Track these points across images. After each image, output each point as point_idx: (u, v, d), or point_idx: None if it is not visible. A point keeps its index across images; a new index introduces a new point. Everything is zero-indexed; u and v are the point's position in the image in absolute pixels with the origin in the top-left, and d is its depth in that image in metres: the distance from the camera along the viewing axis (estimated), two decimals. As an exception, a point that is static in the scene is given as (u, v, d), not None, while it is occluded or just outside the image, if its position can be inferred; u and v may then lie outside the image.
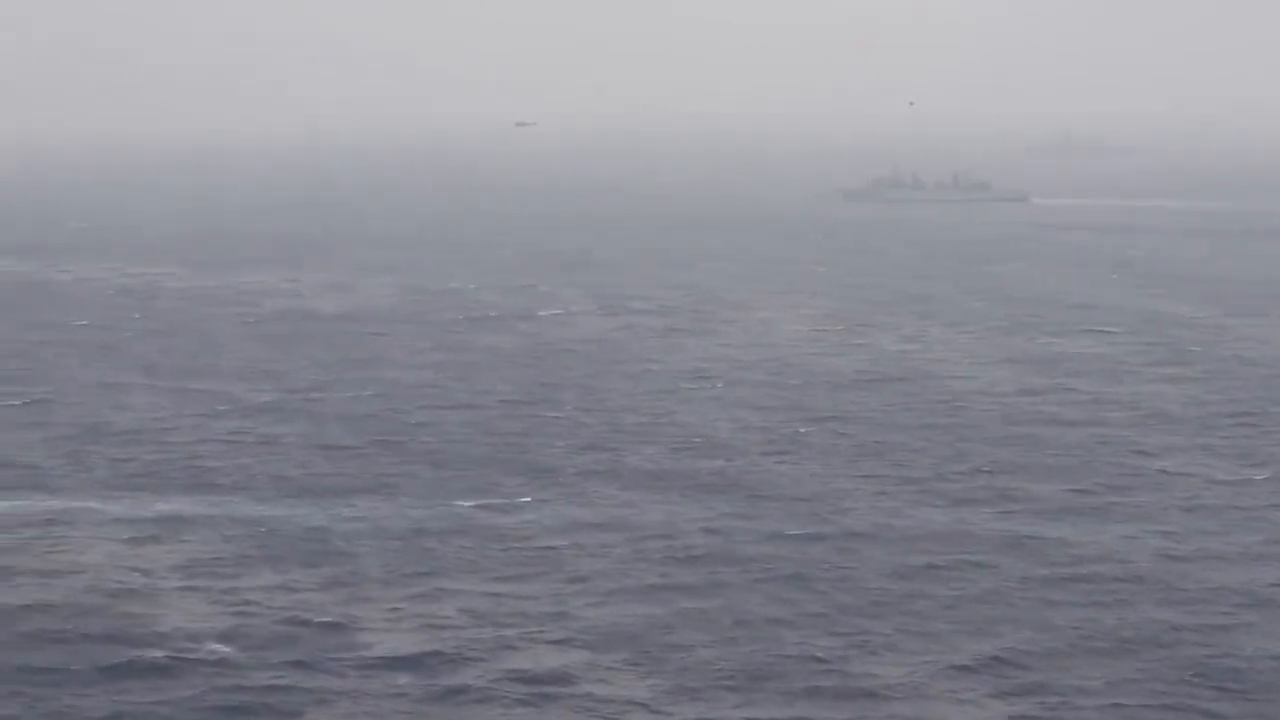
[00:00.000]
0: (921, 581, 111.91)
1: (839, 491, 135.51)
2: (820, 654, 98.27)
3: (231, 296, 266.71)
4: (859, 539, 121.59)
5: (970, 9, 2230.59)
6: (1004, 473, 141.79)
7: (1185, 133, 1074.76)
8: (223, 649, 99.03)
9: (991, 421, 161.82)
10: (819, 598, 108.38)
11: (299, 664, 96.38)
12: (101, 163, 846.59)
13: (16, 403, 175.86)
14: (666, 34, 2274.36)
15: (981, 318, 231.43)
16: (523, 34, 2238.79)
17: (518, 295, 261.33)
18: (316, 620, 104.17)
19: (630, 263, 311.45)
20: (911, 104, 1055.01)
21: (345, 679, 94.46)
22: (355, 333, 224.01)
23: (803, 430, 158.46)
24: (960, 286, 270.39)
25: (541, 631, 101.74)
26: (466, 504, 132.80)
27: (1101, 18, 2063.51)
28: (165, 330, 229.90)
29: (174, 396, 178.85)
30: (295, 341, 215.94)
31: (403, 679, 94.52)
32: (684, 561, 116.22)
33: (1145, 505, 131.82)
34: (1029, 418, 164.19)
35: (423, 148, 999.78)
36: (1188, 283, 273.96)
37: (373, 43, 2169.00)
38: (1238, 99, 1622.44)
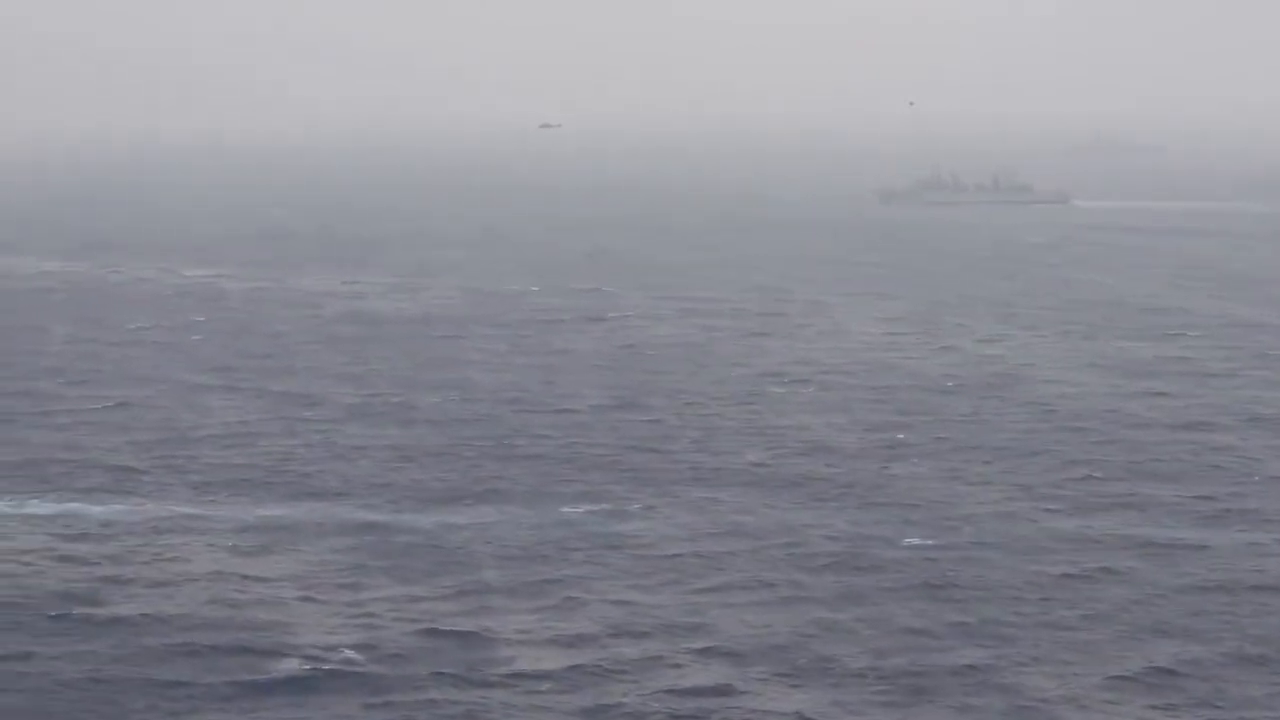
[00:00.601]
0: (1059, 590, 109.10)
1: (954, 497, 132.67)
2: (971, 664, 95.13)
3: (294, 298, 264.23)
4: (986, 547, 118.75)
5: (970, 9, 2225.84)
6: (1116, 479, 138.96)
7: (1209, 133, 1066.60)
8: (359, 661, 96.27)
9: (1092, 427, 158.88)
10: (958, 608, 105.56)
11: (442, 676, 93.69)
12: (118, 161, 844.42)
13: (98, 405, 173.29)
14: (667, 34, 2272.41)
15: (1058, 322, 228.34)
16: (524, 35, 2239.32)
17: (582, 298, 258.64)
18: (450, 631, 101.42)
19: (686, 264, 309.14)
20: (911, 104, 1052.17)
21: (492, 693, 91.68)
22: (427, 335, 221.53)
23: (901, 435, 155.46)
24: (1027, 289, 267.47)
25: (683, 643, 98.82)
26: (576, 510, 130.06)
27: (1101, 18, 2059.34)
28: (234, 332, 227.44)
29: (256, 400, 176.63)
30: (368, 344, 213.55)
31: (551, 694, 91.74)
32: (813, 570, 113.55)
33: (1264, 511, 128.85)
34: (1129, 423, 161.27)
35: (451, 149, 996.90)
36: (1258, 286, 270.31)
37: (375, 43, 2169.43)
38: (1237, 99, 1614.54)
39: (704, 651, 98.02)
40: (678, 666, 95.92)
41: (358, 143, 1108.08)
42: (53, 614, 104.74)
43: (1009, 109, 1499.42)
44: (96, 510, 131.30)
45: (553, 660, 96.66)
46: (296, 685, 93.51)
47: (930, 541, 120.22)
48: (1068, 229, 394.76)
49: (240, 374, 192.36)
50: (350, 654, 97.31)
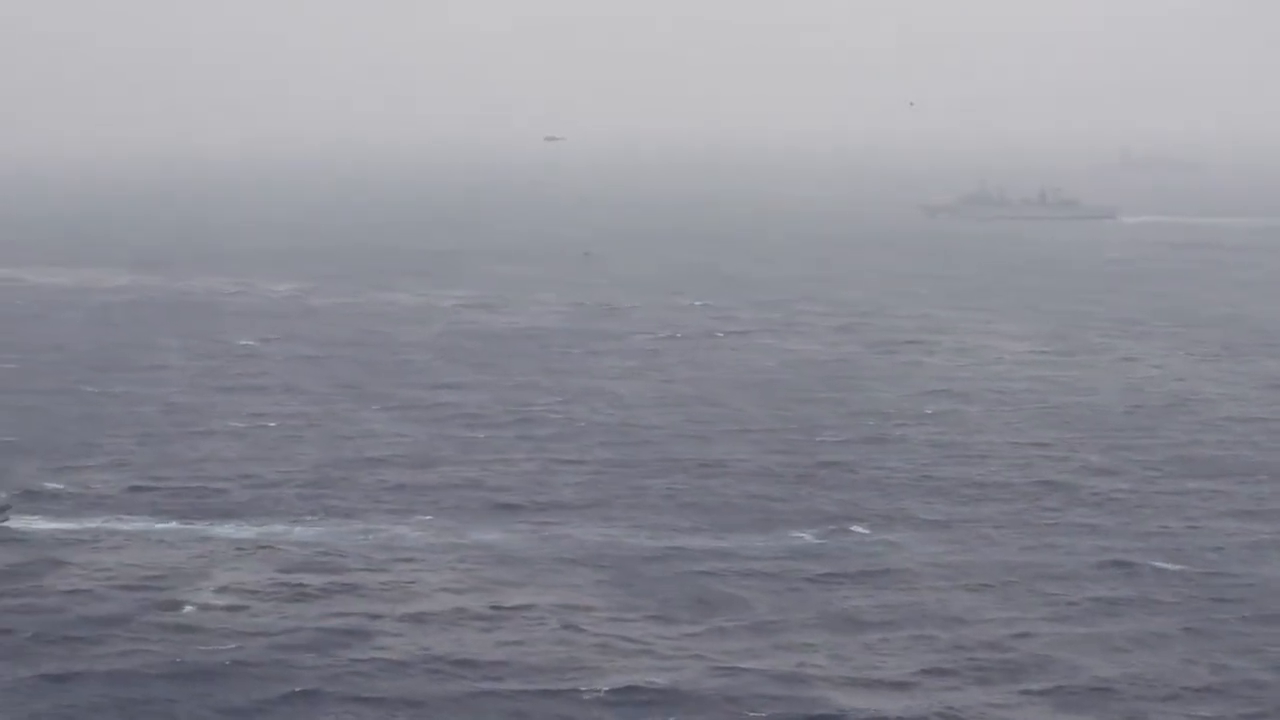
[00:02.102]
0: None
1: (1192, 526, 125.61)
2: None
3: (391, 313, 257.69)
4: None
5: (1001, 25, 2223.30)
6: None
7: (1241, 149, 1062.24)
8: (683, 703, 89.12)
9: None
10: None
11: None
12: (141, 172, 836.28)
13: (248, 424, 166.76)
14: (668, 49, 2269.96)
15: (1192, 340, 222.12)
16: (523, 46, 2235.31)
17: (686, 313, 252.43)
18: (754, 670, 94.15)
19: (769, 278, 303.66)
20: (911, 104, 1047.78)
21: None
22: (551, 350, 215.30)
23: (1095, 458, 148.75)
24: (1136, 306, 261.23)
25: (1027, 687, 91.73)
26: (807, 536, 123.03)
27: (1134, 35, 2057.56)
28: (348, 347, 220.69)
29: (409, 416, 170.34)
30: (496, 359, 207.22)
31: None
32: (1111, 606, 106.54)
33: None
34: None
35: (466, 161, 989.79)
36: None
37: (374, 56, 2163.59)
38: (1264, 115, 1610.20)
39: (1048, 692, 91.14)
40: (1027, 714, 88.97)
41: (370, 155, 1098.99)
42: (345, 655, 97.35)
43: (1034, 126, 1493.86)
44: (300, 532, 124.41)
45: (903, 708, 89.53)
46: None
47: (1199, 570, 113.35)
48: (1140, 245, 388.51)
49: (377, 390, 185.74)
50: (661, 695, 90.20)
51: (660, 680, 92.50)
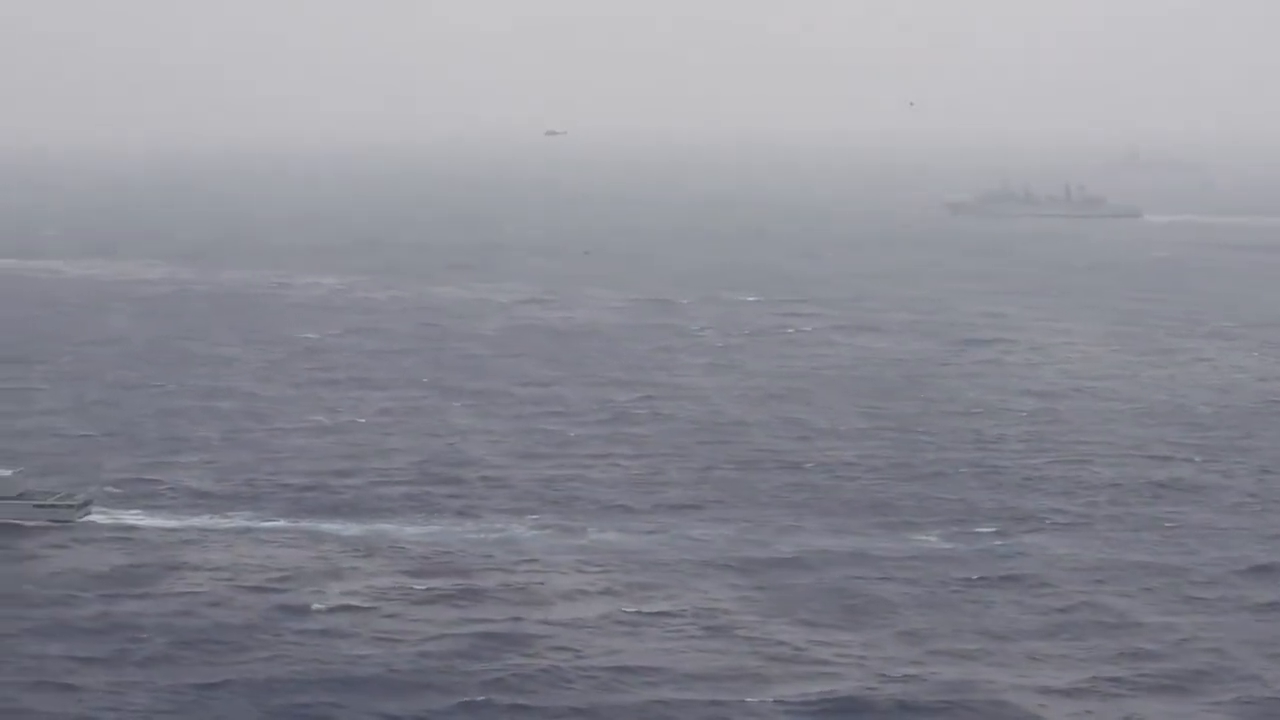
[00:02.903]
0: None
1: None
2: None
3: (448, 307, 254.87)
4: None
5: (1008, 25, 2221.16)
6: None
7: (1238, 150, 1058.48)
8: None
9: None
10: None
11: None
12: (159, 167, 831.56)
13: (329, 421, 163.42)
14: (664, 45, 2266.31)
15: (1262, 340, 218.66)
16: (521, 42, 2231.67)
17: (746, 309, 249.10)
18: (928, 680, 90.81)
19: (820, 275, 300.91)
20: (911, 104, 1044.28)
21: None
22: (622, 347, 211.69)
23: (1198, 458, 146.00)
24: (1197, 304, 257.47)
25: (1207, 697, 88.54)
26: (932, 538, 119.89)
27: (1146, 35, 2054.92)
28: (414, 341, 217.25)
29: (498, 412, 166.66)
30: (568, 355, 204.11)
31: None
32: (1267, 612, 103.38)
33: None
34: None
35: (476, 156, 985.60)
36: None
37: (371, 53, 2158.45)
38: (1264, 116, 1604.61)
39: None
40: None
41: (376, 153, 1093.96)
42: (500, 662, 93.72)
43: (1035, 126, 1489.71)
44: (411, 531, 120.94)
45: (1062, 713, 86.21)
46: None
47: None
48: (1182, 245, 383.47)
49: (453, 385, 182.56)
50: (834, 705, 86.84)
51: (829, 689, 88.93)
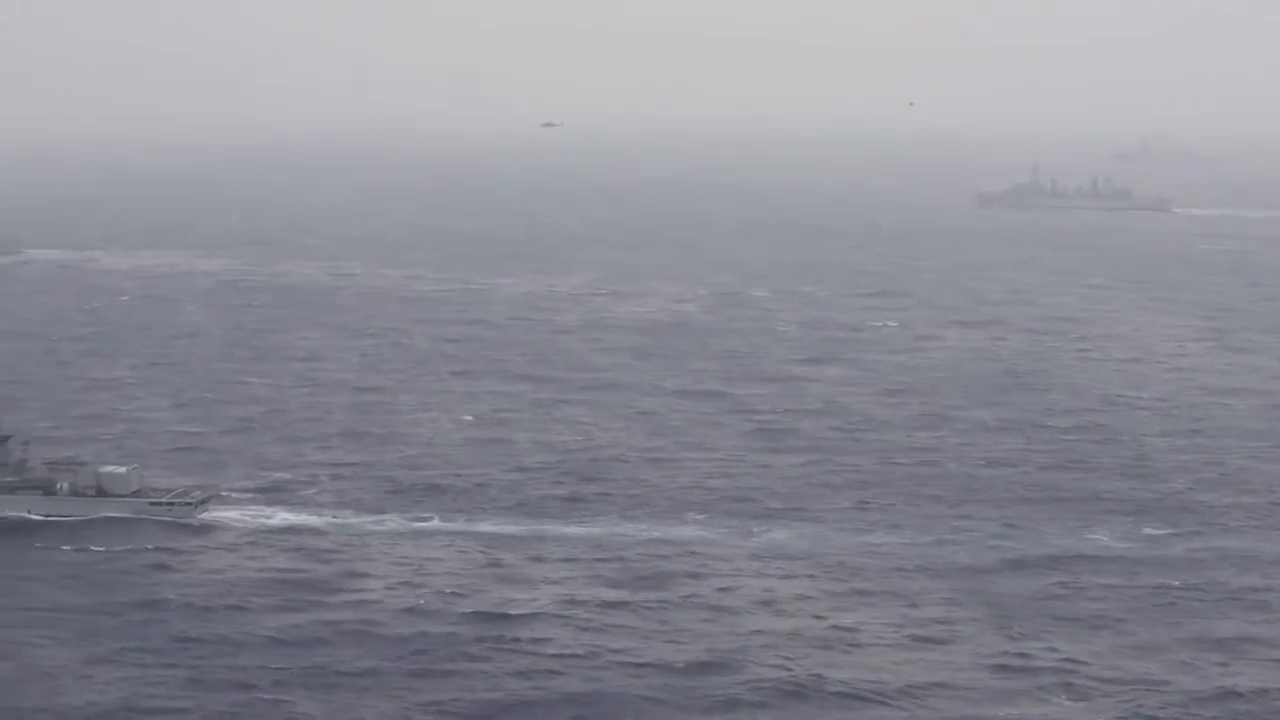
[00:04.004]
0: None
1: None
2: None
3: (519, 299, 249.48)
4: None
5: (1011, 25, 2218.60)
6: None
7: (1247, 143, 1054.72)
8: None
9: None
10: None
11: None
12: (176, 159, 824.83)
13: (445, 417, 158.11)
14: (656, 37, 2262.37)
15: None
16: (515, 34, 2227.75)
17: (823, 303, 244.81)
18: (1207, 698, 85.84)
19: (884, 268, 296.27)
20: (911, 104, 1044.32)
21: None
22: (716, 341, 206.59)
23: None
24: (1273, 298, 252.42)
25: None
26: (1104, 536, 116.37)
27: (1153, 28, 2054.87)
28: (498, 331, 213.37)
29: (609, 411, 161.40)
30: (662, 351, 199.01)
31: None
32: None
33: None
34: None
35: (480, 148, 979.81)
36: None
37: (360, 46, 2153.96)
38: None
39: None
40: None
41: (380, 142, 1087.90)
42: (754, 677, 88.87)
43: (1043, 116, 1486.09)
44: (574, 531, 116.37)
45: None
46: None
47: None
48: (1234, 239, 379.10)
49: (554, 379, 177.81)
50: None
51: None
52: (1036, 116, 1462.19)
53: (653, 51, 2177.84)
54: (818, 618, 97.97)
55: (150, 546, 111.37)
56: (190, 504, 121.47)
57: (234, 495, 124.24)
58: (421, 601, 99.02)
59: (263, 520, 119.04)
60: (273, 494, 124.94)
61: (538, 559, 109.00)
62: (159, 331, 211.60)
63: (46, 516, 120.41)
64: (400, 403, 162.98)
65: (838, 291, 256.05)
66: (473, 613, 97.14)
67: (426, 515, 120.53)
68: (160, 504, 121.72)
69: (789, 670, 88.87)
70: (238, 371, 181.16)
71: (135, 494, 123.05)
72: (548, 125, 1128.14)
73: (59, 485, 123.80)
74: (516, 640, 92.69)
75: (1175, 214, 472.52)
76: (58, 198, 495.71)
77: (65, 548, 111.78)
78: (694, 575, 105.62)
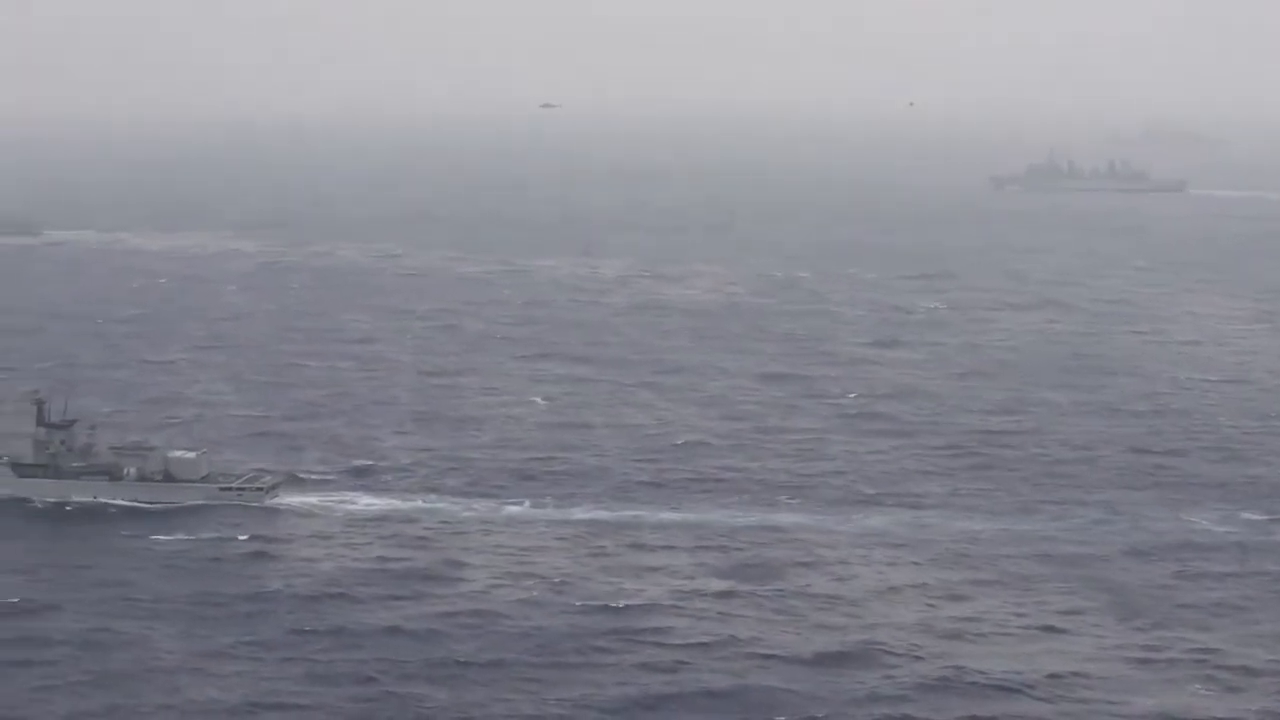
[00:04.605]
0: None
1: None
2: None
3: (564, 280, 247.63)
4: None
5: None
6: None
7: (1255, 125, 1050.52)
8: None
9: None
10: None
11: None
12: (188, 139, 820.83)
13: (511, 400, 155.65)
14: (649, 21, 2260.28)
15: None
16: (509, 14, 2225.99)
17: (870, 287, 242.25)
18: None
19: (922, 251, 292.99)
20: (911, 104, 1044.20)
21: None
22: (773, 325, 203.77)
23: None
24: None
25: None
26: (1203, 520, 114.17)
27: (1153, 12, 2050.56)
28: (546, 312, 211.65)
29: (675, 396, 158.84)
30: (718, 335, 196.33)
31: None
32: None
33: None
34: None
35: (487, 129, 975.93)
36: None
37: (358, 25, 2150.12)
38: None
39: None
40: None
41: (382, 122, 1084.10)
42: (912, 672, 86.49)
43: (1035, 102, 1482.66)
44: (668, 518, 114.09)
45: None
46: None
47: None
48: (1262, 222, 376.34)
49: (616, 363, 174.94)
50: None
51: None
52: (1030, 102, 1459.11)
53: (647, 34, 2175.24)
54: (935, 605, 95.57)
55: (244, 536, 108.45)
56: (261, 489, 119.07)
57: (313, 479, 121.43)
58: (534, 593, 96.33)
59: (345, 506, 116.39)
60: (352, 479, 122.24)
61: (637, 546, 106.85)
62: (204, 314, 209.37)
63: (114, 502, 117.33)
64: (465, 385, 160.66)
65: (882, 274, 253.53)
66: (587, 604, 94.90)
67: (514, 500, 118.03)
68: (230, 489, 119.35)
69: (922, 660, 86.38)
70: (292, 354, 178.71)
71: (204, 479, 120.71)
72: (546, 106, 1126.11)
73: (126, 470, 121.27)
74: (637, 631, 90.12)
75: (1191, 196, 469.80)
76: (66, 179, 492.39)
77: (161, 536, 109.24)
78: (803, 563, 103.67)
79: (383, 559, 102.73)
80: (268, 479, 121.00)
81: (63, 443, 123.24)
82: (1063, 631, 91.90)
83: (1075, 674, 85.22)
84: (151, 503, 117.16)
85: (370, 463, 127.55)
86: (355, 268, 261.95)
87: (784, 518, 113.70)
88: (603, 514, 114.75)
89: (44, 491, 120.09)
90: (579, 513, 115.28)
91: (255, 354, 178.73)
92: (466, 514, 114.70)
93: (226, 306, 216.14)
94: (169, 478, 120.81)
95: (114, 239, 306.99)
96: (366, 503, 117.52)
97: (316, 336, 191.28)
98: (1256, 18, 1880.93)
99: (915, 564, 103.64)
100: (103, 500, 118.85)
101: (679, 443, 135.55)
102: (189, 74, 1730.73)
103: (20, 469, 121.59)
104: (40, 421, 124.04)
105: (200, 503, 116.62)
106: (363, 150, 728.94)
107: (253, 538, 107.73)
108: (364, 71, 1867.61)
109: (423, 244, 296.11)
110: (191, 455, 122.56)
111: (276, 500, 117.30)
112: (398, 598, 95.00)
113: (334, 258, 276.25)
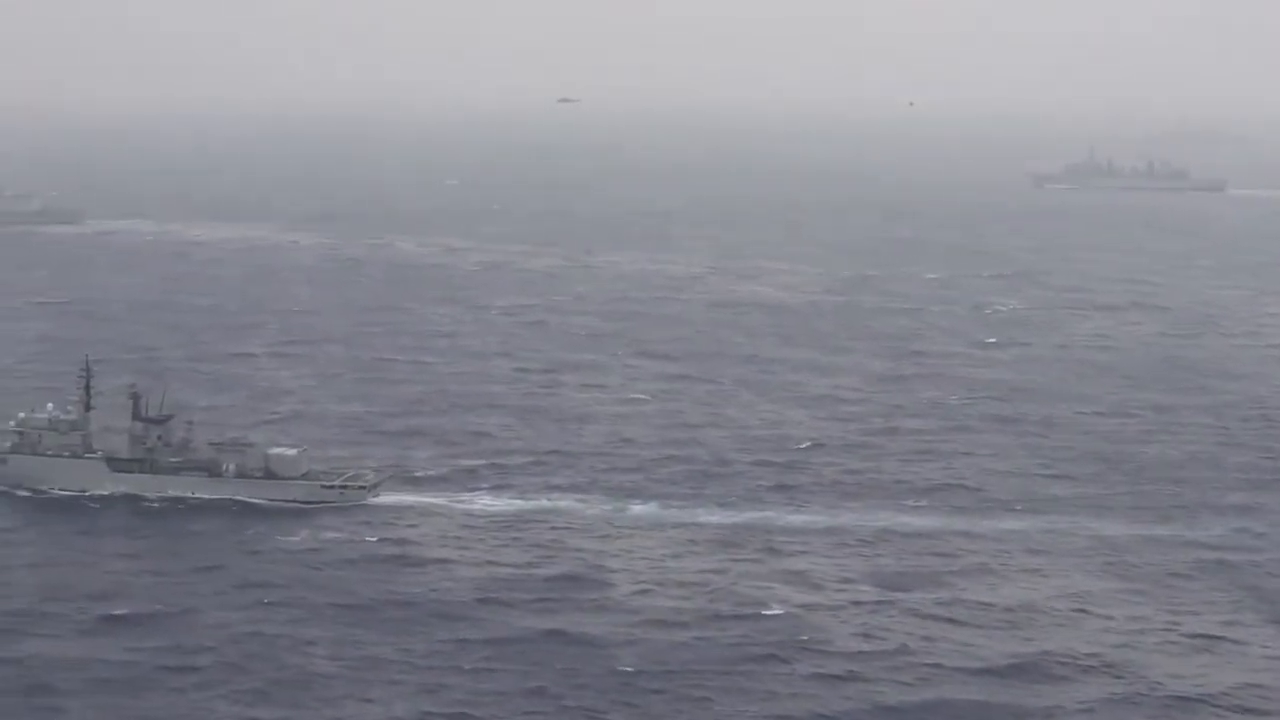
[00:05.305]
0: None
1: None
2: None
3: (638, 277, 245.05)
4: None
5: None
6: None
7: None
8: None
9: None
10: None
11: None
12: (217, 132, 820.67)
13: (640, 397, 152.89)
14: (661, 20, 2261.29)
15: None
16: (528, 10, 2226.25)
17: (944, 286, 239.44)
18: None
19: (984, 250, 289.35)
20: (911, 104, 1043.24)
21: None
22: (864, 326, 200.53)
23: None
24: None
25: None
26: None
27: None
28: (626, 306, 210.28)
29: (779, 396, 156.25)
30: (809, 334, 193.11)
31: None
32: None
33: None
34: None
35: (509, 124, 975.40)
36: None
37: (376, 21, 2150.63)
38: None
39: None
40: None
41: (407, 115, 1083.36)
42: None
43: (1075, 96, 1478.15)
44: (796, 520, 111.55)
45: None
46: None
47: None
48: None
49: (709, 363, 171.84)
50: None
51: None
52: (1056, 100, 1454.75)
53: (663, 31, 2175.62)
54: (1093, 614, 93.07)
55: (374, 538, 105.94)
56: (363, 487, 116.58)
57: (426, 477, 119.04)
58: (685, 598, 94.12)
59: (462, 505, 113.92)
60: (466, 477, 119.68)
61: (773, 550, 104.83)
62: (275, 306, 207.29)
63: (213, 498, 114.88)
64: (563, 382, 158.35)
65: (951, 273, 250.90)
66: (739, 611, 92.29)
67: (638, 500, 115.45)
68: (332, 487, 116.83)
69: (1095, 671, 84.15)
70: (378, 349, 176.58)
71: (304, 476, 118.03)
72: (564, 101, 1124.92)
73: (225, 466, 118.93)
74: (799, 640, 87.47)
75: (1231, 195, 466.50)
76: (100, 169, 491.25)
77: (287, 537, 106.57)
78: (950, 571, 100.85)
79: (525, 563, 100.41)
80: (369, 476, 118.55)
81: (160, 438, 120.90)
82: (1227, 641, 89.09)
83: (1249, 685, 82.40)
84: (249, 499, 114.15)
85: (482, 461, 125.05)
86: (424, 261, 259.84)
87: (914, 520, 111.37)
88: (731, 516, 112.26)
89: (140, 487, 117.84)
90: (704, 514, 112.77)
91: (338, 349, 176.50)
92: (591, 512, 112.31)
93: (297, 299, 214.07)
94: (269, 474, 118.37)
95: (165, 229, 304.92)
96: (485, 503, 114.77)
97: (399, 331, 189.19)
98: (1257, 18, 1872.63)
99: (1062, 571, 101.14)
100: (201, 496, 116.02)
101: (800, 445, 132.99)
102: (216, 70, 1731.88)
103: (115, 463, 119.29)
104: (136, 416, 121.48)
105: (301, 500, 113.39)
106: (398, 143, 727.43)
107: (382, 540, 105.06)
108: (379, 69, 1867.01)
109: (483, 238, 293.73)
110: (292, 452, 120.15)
111: (378, 499, 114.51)
112: (548, 604, 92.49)
113: (394, 250, 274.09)
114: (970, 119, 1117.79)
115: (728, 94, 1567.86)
